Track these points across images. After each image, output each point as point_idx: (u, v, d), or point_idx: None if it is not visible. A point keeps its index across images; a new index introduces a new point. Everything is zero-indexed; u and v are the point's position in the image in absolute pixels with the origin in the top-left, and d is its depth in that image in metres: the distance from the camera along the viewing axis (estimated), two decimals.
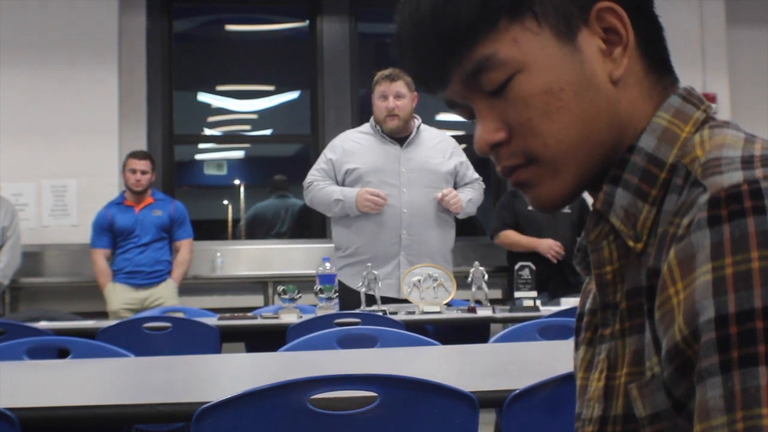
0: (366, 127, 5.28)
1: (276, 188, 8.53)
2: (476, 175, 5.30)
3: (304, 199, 5.28)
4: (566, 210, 6.31)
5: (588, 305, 1.05)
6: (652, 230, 0.90)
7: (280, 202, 8.48)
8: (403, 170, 5.07)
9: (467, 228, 8.17)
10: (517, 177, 0.98)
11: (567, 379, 1.84)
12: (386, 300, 4.77)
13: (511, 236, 6.35)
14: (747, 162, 0.81)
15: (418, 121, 5.24)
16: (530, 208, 5.72)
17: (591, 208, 0.98)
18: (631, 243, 0.92)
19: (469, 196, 5.16)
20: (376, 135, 5.17)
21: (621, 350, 0.94)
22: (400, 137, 5.15)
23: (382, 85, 5.10)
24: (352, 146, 5.17)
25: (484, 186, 5.36)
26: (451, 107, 1.03)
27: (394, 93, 5.06)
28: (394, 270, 4.97)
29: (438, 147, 5.21)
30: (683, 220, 0.82)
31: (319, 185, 5.11)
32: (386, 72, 5.12)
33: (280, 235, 8.34)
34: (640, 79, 0.97)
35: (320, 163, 5.21)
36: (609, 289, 0.97)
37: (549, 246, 6.18)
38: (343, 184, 5.10)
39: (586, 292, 1.07)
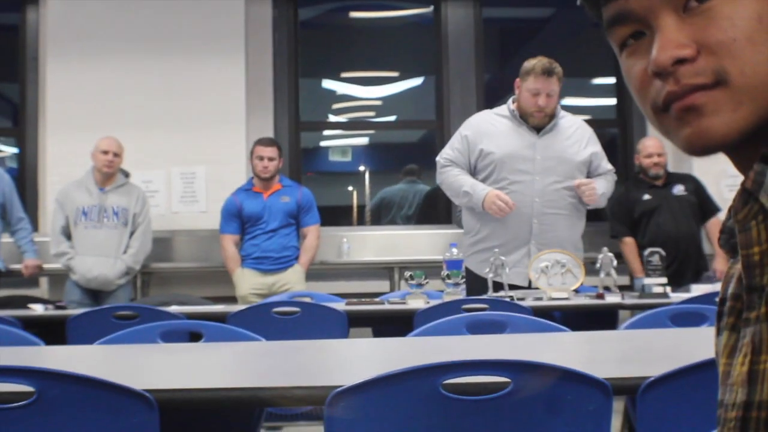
0: (503, 109, 5.08)
1: (407, 173, 8.56)
2: (609, 166, 5.13)
3: (436, 178, 5.16)
4: (683, 193, 6.25)
5: (731, 289, 1.00)
6: None
7: (409, 187, 8.50)
8: (537, 158, 4.91)
9: (595, 214, 8.04)
10: (694, 100, 0.91)
11: (704, 366, 1.79)
12: (513, 288, 4.64)
13: (627, 249, 6.31)
14: None
15: (558, 109, 5.05)
16: (646, 197, 5.48)
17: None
18: None
19: (603, 189, 5.00)
20: (514, 120, 5.00)
21: (766, 334, 0.89)
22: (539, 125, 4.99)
23: (538, 80, 4.87)
24: (489, 128, 5.01)
25: (616, 178, 5.19)
26: (616, 23, 0.97)
27: (548, 91, 4.86)
28: (523, 258, 4.84)
29: (575, 136, 5.03)
30: None
31: (453, 172, 5.00)
32: (541, 65, 4.87)
33: (407, 219, 8.38)
34: None
35: (455, 142, 5.07)
36: (756, 270, 0.92)
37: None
38: (475, 165, 4.97)
39: (728, 276, 1.03)
